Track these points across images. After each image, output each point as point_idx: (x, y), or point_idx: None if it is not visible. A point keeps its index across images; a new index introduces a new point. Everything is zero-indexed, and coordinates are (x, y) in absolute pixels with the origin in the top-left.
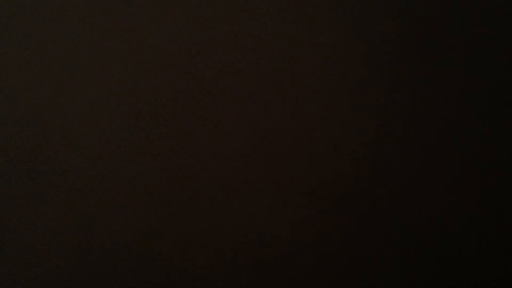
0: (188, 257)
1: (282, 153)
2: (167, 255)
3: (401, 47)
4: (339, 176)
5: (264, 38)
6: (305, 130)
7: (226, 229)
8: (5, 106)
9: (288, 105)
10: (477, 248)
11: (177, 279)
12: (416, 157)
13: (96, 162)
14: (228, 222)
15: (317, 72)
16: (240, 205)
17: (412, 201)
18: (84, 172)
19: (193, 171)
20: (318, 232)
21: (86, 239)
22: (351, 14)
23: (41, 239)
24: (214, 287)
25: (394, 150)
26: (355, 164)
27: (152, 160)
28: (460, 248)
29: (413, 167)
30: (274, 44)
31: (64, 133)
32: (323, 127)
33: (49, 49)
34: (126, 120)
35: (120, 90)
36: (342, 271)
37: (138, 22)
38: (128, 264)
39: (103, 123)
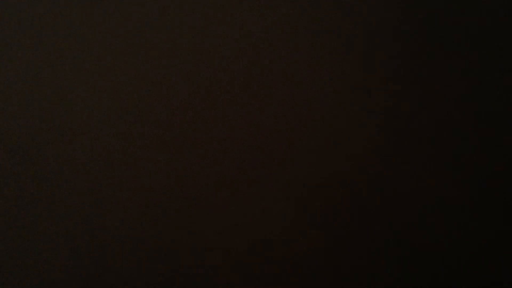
0: (189, 258)
1: (282, 153)
2: (167, 255)
3: (402, 47)
4: (340, 177)
5: (264, 37)
6: (305, 130)
7: (226, 229)
8: (6, 105)
9: (288, 105)
10: (476, 250)
11: (178, 279)
12: (417, 157)
13: (97, 162)
14: (228, 222)
15: (317, 73)
16: (239, 205)
17: (412, 201)
18: (84, 172)
19: (193, 171)
20: (318, 232)
21: (86, 239)
22: (352, 14)
23: (41, 239)
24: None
25: (394, 150)
26: (355, 164)
27: (153, 160)
28: (460, 249)
29: (414, 167)
30: (274, 44)
31: (64, 132)
32: (323, 127)
33: (50, 49)
34: (127, 120)
35: (121, 90)
36: (343, 271)
37: (140, 22)
38: (129, 265)
39: (104, 123)
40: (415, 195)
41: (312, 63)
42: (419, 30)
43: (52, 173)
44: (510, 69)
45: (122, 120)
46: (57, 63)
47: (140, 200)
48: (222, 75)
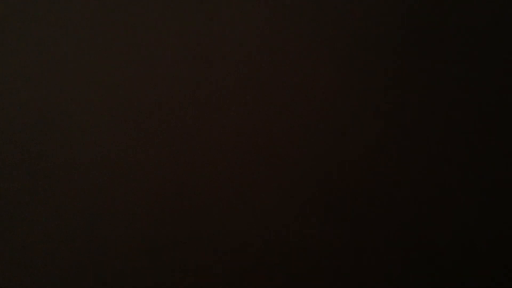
0: (189, 258)
1: (283, 155)
2: (167, 255)
3: (403, 48)
4: (341, 179)
5: (265, 38)
6: (307, 130)
7: (227, 231)
8: (6, 105)
9: (289, 107)
10: (476, 252)
11: (178, 279)
12: (417, 159)
13: (97, 162)
14: (229, 224)
15: (318, 74)
16: (241, 207)
17: (413, 203)
18: (84, 172)
19: (194, 172)
20: (318, 234)
21: (86, 239)
22: (354, 15)
23: (41, 239)
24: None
25: (395, 152)
26: (356, 166)
27: (154, 160)
28: (460, 251)
29: (414, 169)
30: (275, 45)
31: (65, 132)
32: (325, 127)
33: (50, 49)
34: (127, 120)
35: (122, 90)
36: (343, 273)
37: (141, 22)
38: (128, 265)
39: (105, 123)
40: (418, 195)
41: (313, 63)
42: (420, 30)
43: (52, 173)
44: (511, 69)
45: (122, 120)
46: (57, 62)
47: (141, 200)
48: (223, 75)
